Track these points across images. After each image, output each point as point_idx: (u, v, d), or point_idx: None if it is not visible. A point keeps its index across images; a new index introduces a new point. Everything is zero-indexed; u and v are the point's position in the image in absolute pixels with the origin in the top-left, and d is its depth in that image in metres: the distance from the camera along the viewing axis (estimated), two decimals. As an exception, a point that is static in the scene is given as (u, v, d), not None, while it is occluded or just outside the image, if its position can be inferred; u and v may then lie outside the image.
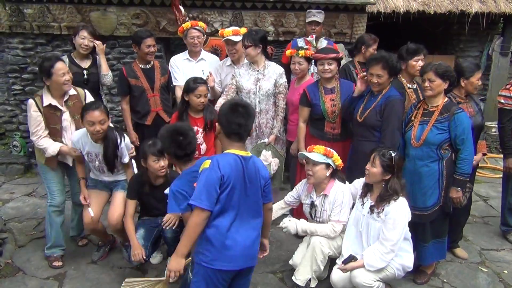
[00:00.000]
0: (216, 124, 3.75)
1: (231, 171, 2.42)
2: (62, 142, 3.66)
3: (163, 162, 3.38)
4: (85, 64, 4.34)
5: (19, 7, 5.20)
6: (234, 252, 2.48)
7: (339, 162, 3.43)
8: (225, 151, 2.53)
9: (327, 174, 3.41)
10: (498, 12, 6.51)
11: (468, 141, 3.36)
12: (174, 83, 4.51)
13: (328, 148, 3.44)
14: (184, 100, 3.90)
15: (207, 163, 2.42)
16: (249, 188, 2.51)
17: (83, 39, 4.21)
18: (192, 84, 3.80)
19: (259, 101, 4.23)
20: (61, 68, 3.54)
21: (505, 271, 3.88)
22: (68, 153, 3.66)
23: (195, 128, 3.83)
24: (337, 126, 4.02)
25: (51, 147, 3.59)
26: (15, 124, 5.91)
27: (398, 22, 6.37)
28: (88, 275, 3.65)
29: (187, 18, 4.98)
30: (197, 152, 3.89)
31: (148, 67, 4.31)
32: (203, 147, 3.95)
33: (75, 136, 3.61)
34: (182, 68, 4.51)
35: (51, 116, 3.61)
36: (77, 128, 3.68)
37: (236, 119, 2.46)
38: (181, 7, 4.97)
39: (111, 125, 3.62)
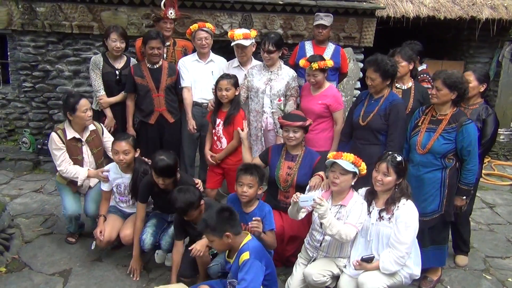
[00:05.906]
0: (235, 121, 3.97)
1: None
2: None
3: (162, 181, 3.43)
4: (119, 64, 4.46)
5: (31, 5, 5.27)
6: None
7: (364, 171, 3.24)
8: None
9: (352, 184, 3.25)
10: (508, 18, 6.50)
11: (474, 153, 3.36)
12: (182, 84, 4.52)
13: (356, 157, 3.23)
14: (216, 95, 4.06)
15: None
16: None
17: (114, 41, 4.32)
18: (218, 79, 3.99)
19: (270, 101, 4.22)
20: (85, 105, 3.77)
21: (510, 279, 3.86)
22: (95, 175, 3.84)
23: (218, 120, 4.04)
24: (291, 195, 3.46)
25: (81, 172, 3.81)
26: (24, 121, 5.99)
27: (407, 27, 6.36)
28: (93, 273, 3.68)
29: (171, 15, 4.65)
30: (219, 143, 4.08)
31: (155, 67, 4.35)
32: (224, 140, 4.06)
33: (107, 168, 3.86)
34: (191, 70, 4.53)
35: (74, 148, 3.83)
36: (96, 162, 3.96)
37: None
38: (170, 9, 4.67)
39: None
